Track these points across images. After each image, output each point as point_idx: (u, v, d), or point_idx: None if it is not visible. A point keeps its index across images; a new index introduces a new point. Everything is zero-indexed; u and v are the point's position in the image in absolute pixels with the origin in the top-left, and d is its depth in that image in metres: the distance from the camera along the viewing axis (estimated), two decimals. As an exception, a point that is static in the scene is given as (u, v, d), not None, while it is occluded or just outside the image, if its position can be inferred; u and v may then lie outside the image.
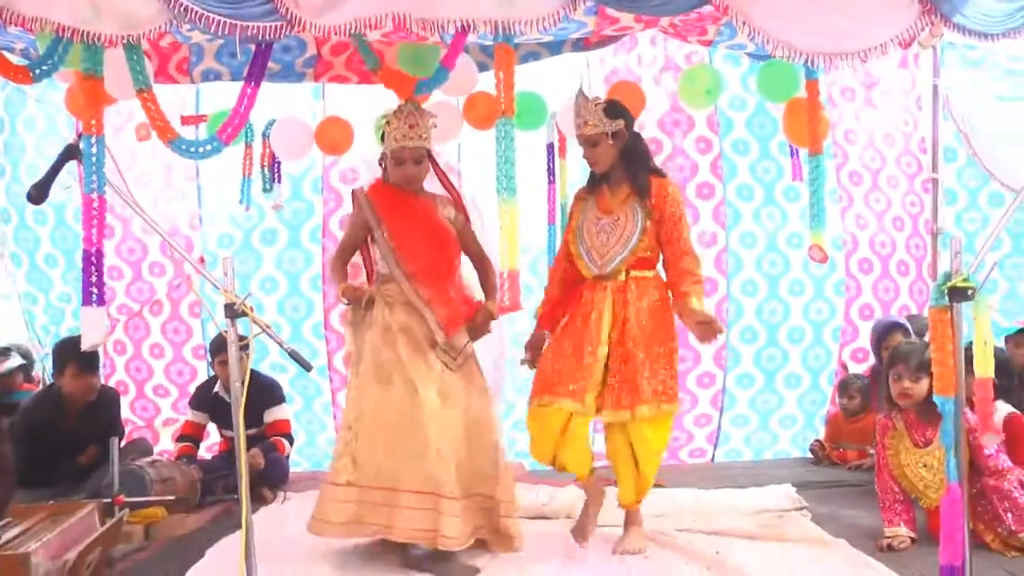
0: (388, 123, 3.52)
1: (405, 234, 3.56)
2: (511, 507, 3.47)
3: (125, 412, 5.37)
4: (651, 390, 3.44)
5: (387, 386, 3.44)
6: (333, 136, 4.91)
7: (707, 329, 3.37)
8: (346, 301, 3.55)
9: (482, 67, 4.32)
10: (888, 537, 3.53)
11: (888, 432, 3.66)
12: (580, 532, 3.61)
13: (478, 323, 3.59)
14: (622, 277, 3.52)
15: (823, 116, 4.25)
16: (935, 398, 2.94)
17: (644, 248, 3.51)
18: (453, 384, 3.48)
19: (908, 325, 5.01)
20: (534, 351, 3.73)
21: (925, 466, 3.55)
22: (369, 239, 3.67)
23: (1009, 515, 3.38)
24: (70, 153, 3.13)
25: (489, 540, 3.47)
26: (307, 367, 2.94)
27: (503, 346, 4.32)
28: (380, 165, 3.64)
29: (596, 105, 3.54)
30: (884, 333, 5.04)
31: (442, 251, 3.61)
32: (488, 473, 3.43)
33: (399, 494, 3.35)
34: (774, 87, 4.35)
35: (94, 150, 3.24)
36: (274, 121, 5.00)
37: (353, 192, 3.71)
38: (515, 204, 3.28)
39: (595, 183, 3.66)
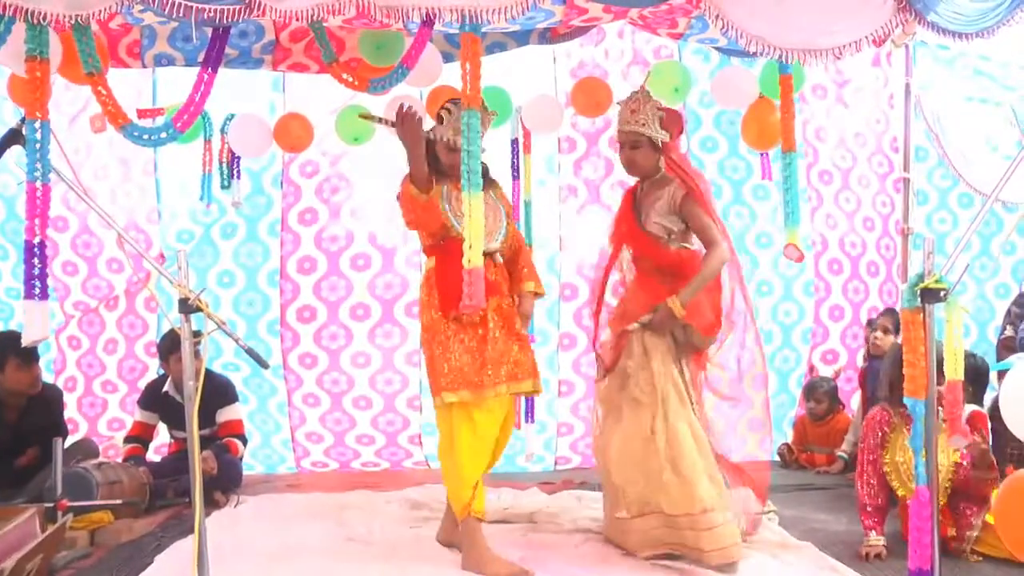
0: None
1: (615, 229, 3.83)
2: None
3: (71, 409, 5.24)
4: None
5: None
6: (292, 133, 4.82)
7: (527, 322, 3.69)
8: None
9: (447, 57, 4.22)
10: (871, 546, 3.49)
11: (886, 424, 3.60)
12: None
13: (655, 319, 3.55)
14: (499, 258, 3.64)
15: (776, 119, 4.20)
16: (905, 399, 2.91)
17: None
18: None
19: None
20: None
21: None
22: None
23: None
24: (13, 138, 3.02)
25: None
26: (263, 365, 2.92)
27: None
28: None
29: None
30: (877, 316, 5.08)
31: (634, 250, 3.73)
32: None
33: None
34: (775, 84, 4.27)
35: (38, 135, 3.09)
36: (233, 116, 4.89)
37: None
38: (480, 199, 3.20)
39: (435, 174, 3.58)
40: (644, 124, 3.53)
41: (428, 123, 3.73)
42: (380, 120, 3.57)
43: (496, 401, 3.47)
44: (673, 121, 3.65)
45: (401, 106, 3.38)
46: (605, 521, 3.72)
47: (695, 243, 3.63)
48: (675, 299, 3.45)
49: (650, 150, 3.58)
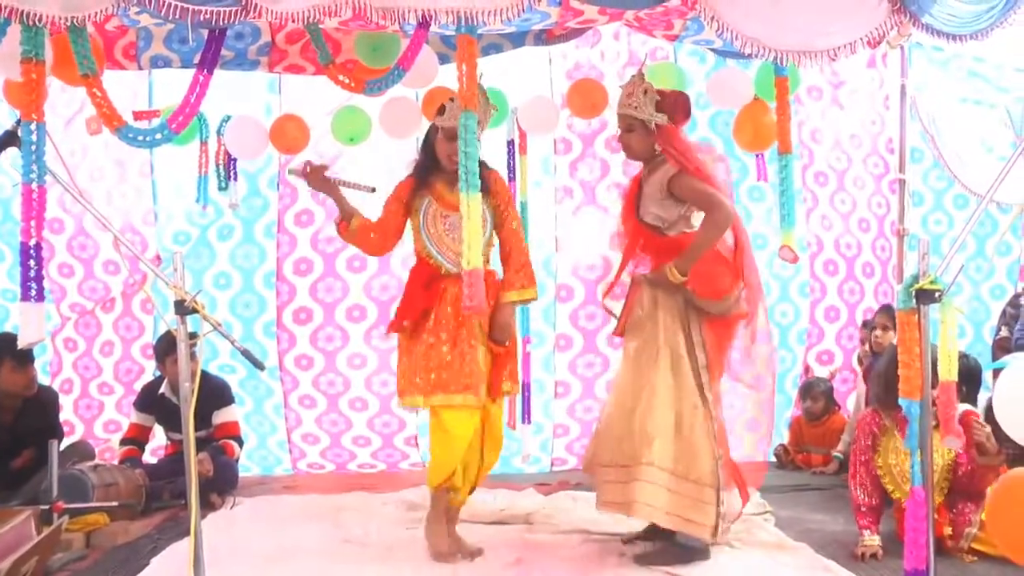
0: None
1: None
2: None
3: (67, 412, 5.23)
4: (510, 371, 3.68)
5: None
6: (288, 134, 4.81)
7: (502, 333, 3.57)
8: None
9: (443, 59, 4.22)
10: (867, 546, 3.50)
11: (876, 427, 3.62)
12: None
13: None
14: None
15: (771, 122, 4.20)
16: (900, 400, 2.92)
17: (491, 241, 3.63)
18: None
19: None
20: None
21: None
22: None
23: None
24: (9, 140, 3.02)
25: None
26: (260, 367, 2.92)
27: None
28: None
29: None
30: (873, 315, 5.10)
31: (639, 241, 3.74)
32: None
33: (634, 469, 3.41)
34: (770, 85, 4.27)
35: (34, 137, 3.08)
36: (229, 118, 4.88)
37: None
38: (477, 200, 3.19)
39: (426, 178, 3.61)
40: (636, 107, 3.54)
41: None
42: (298, 173, 3.74)
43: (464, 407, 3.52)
44: (674, 104, 3.61)
45: (307, 163, 3.71)
46: (586, 460, 3.76)
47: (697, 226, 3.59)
48: (671, 265, 3.43)
49: (643, 133, 3.57)
